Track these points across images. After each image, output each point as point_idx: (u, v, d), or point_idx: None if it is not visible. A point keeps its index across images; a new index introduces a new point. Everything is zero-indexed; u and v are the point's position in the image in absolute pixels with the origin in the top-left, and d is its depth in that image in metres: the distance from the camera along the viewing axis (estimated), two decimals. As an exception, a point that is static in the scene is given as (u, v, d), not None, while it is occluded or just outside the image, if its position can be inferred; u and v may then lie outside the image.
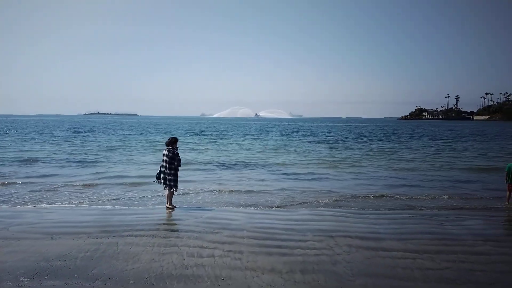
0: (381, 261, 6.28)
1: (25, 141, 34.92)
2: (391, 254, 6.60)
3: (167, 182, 9.82)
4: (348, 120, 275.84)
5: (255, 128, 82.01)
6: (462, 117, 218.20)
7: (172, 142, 9.99)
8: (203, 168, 18.35)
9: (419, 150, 29.80)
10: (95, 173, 16.28)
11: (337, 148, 30.82)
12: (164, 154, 9.92)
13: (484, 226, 8.63)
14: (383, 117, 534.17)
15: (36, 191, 12.30)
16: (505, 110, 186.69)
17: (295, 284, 5.36)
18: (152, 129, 67.87)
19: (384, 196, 11.98)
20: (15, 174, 15.79)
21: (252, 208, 10.31)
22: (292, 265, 6.03)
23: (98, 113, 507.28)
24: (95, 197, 11.47)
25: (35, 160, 20.34)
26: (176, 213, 9.55)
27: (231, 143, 35.87)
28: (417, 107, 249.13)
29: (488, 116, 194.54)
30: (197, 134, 52.04)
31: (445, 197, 11.93)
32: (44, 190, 12.39)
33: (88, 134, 47.49)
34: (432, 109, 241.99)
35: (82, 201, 10.95)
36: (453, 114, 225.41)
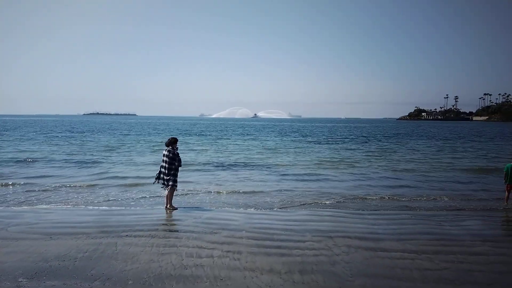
0: (380, 262, 6.29)
1: (24, 141, 34.87)
2: (390, 255, 6.61)
3: (167, 183, 9.81)
4: (347, 120, 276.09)
5: (254, 128, 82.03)
6: (461, 117, 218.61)
7: (172, 143, 9.98)
8: (202, 168, 18.34)
9: (418, 150, 29.84)
10: (93, 174, 16.27)
11: (336, 149, 30.83)
12: (164, 155, 9.91)
13: (482, 227, 8.64)
14: (382, 117, 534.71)
15: (34, 191, 12.29)
16: (504, 111, 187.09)
17: (294, 285, 5.37)
18: (151, 130, 67.83)
19: (383, 196, 11.99)
20: (13, 174, 15.77)
21: (251, 208, 10.31)
22: (291, 266, 6.03)
23: (97, 113, 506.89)
24: (93, 198, 11.46)
25: (34, 161, 20.32)
26: (175, 214, 9.54)
27: (230, 144, 35.87)
28: (416, 108, 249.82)
29: (487, 117, 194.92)
30: (196, 135, 52.03)
31: (444, 197, 11.95)
32: (42, 191, 12.37)
33: (87, 134, 47.44)
34: (431, 110, 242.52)
35: (80, 201, 10.94)
36: (452, 115, 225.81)
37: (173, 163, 9.83)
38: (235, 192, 12.55)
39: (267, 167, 18.93)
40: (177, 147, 10.10)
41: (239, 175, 16.43)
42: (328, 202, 11.13)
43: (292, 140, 41.86)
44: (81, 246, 6.87)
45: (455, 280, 5.60)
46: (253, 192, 12.58)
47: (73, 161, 20.49)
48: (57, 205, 10.38)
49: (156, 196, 11.56)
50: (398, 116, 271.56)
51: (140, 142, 36.60)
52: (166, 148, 9.97)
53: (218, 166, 19.34)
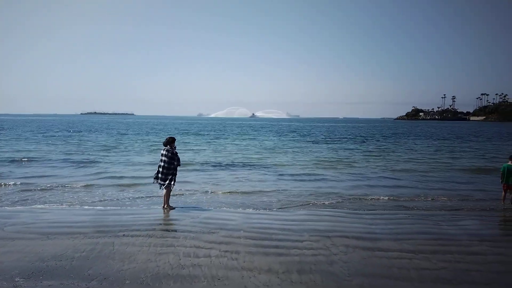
0: (378, 261, 6.29)
1: (21, 140, 34.75)
2: (387, 254, 6.61)
3: (166, 182, 9.75)
4: (345, 120, 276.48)
5: (252, 128, 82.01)
6: (458, 117, 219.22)
7: (170, 142, 9.94)
8: (200, 168, 18.33)
9: (416, 150, 29.90)
10: (91, 174, 16.22)
11: (334, 149, 30.86)
12: (162, 154, 9.86)
13: (480, 226, 8.66)
14: (379, 117, 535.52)
15: (31, 191, 12.24)
16: (501, 111, 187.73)
17: (292, 284, 5.36)
18: (149, 129, 67.72)
19: (381, 196, 11.99)
20: (10, 174, 15.70)
21: (249, 208, 10.30)
22: (289, 265, 6.02)
23: (95, 113, 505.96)
24: (90, 198, 11.42)
25: (30, 160, 20.24)
26: (172, 213, 9.52)
27: (228, 143, 35.85)
28: (413, 108, 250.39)
29: (484, 117, 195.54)
30: (194, 134, 51.96)
31: (441, 197, 11.96)
32: (39, 190, 12.32)
33: (85, 134, 47.32)
34: (428, 110, 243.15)
35: (77, 201, 10.90)
36: (449, 115, 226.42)
37: (172, 163, 9.80)
38: (233, 192, 12.54)
39: (265, 167, 18.92)
40: (175, 146, 10.06)
41: (237, 175, 16.41)
42: (326, 202, 11.12)
43: (290, 140, 41.87)
44: (78, 245, 6.84)
45: (452, 279, 5.60)
46: (251, 192, 12.56)
47: (70, 160, 20.42)
48: (53, 205, 10.34)
49: (153, 196, 11.53)
50: (395, 116, 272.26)
51: (138, 141, 36.53)
52: (164, 147, 9.93)
53: (216, 166, 19.33)
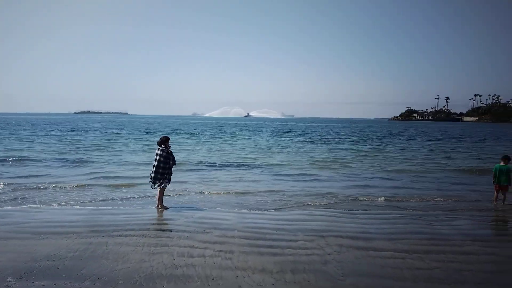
0: (371, 261, 6.32)
1: (13, 139, 34.44)
2: (381, 254, 6.64)
3: (161, 182, 9.71)
4: (339, 120, 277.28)
5: (247, 128, 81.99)
6: (452, 118, 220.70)
7: (164, 141, 9.89)
8: (194, 168, 18.29)
9: (410, 151, 30.07)
10: (84, 173, 16.13)
11: (329, 149, 30.94)
12: (157, 154, 9.81)
13: (472, 226, 8.73)
14: (373, 117, 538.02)
15: (24, 191, 12.14)
16: (494, 112, 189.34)
17: (286, 284, 5.37)
18: (143, 128, 67.44)
19: (375, 196, 12.05)
20: (2, 173, 15.55)
21: (243, 208, 10.29)
22: (283, 265, 6.03)
23: (89, 112, 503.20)
24: (84, 197, 11.35)
25: (23, 160, 20.07)
26: (166, 213, 9.49)
27: (222, 143, 35.81)
28: (407, 108, 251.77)
29: (477, 118, 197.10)
30: (188, 134, 51.84)
31: (434, 197, 12.04)
32: (32, 190, 12.23)
33: (78, 133, 47.02)
34: (422, 110, 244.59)
35: (70, 201, 10.83)
36: (442, 115, 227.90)
37: (167, 162, 9.76)
38: (227, 191, 12.52)
39: (259, 167, 18.92)
40: (170, 146, 10.02)
41: (232, 175, 16.40)
42: (320, 202, 11.15)
43: (285, 140, 41.91)
44: (71, 245, 6.80)
45: (445, 279, 5.65)
46: (246, 191, 12.56)
47: (64, 160, 20.29)
48: (46, 205, 10.27)
49: (147, 196, 11.48)
50: (389, 117, 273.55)
51: (132, 141, 36.37)
52: (159, 147, 9.89)
53: (210, 165, 19.30)
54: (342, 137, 49.86)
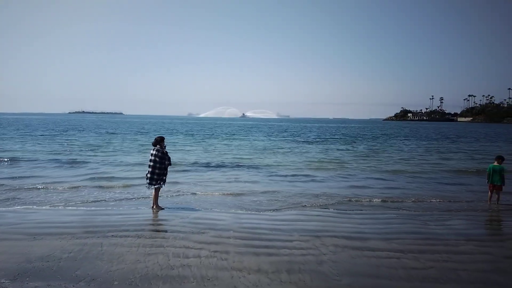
0: (367, 261, 6.34)
1: (6, 140, 34.19)
2: (376, 254, 6.66)
3: (157, 182, 9.68)
4: (335, 120, 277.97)
5: (243, 128, 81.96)
6: (446, 118, 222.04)
7: (159, 141, 9.85)
8: (190, 168, 18.26)
9: (405, 151, 30.21)
10: (79, 174, 16.04)
11: (324, 149, 31.00)
12: (152, 154, 9.76)
13: (466, 226, 8.78)
14: (368, 118, 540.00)
15: (18, 191, 12.05)
16: (488, 112, 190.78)
17: (281, 284, 5.37)
18: (138, 129, 67.20)
19: (370, 196, 12.09)
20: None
21: (239, 208, 10.28)
22: (279, 265, 6.03)
23: (83, 112, 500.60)
24: (78, 198, 11.29)
25: (17, 160, 19.92)
26: (162, 214, 9.46)
27: (218, 143, 35.77)
28: (402, 109, 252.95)
29: (471, 118, 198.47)
30: (183, 134, 51.73)
31: (429, 197, 12.10)
32: (26, 191, 12.14)
33: (72, 133, 46.76)
34: (416, 111, 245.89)
35: (65, 201, 10.77)
36: (437, 116, 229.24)
37: (163, 162, 9.72)
38: (223, 192, 12.51)
39: (255, 167, 18.92)
40: (165, 146, 9.99)
41: (227, 175, 16.39)
42: (316, 203, 11.17)
43: (280, 140, 41.95)
44: (65, 246, 6.75)
45: (439, 278, 5.67)
46: (241, 192, 12.55)
47: (58, 160, 20.16)
48: (40, 206, 10.20)
49: (142, 197, 11.44)
50: (384, 117, 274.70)
51: (126, 141, 36.23)
52: (154, 147, 9.85)
53: (205, 166, 19.27)
54: (338, 137, 49.98)
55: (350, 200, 11.54)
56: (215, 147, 31.17)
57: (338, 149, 30.81)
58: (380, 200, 11.63)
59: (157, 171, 9.64)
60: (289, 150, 29.40)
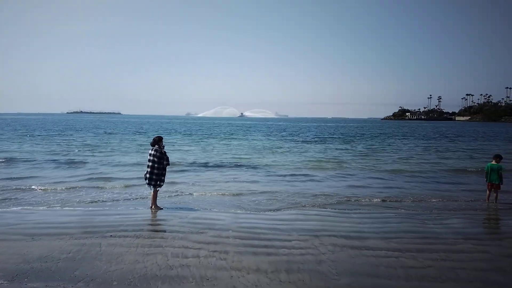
0: (365, 260, 6.35)
1: (3, 140, 34.09)
2: (375, 253, 6.67)
3: (156, 182, 9.67)
4: (333, 120, 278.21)
5: (241, 128, 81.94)
6: (444, 117, 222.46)
7: (157, 141, 9.84)
8: (188, 168, 18.24)
9: (403, 150, 30.25)
10: (77, 174, 16.01)
11: (323, 148, 31.03)
12: (150, 154, 9.74)
13: (465, 225, 8.81)
14: (367, 117, 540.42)
15: (16, 192, 12.02)
16: (485, 111, 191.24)
17: (281, 284, 5.37)
18: (136, 129, 67.10)
19: (369, 196, 12.11)
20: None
21: (237, 208, 10.28)
22: (278, 265, 6.03)
23: (81, 112, 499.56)
24: (76, 198, 11.27)
25: (14, 161, 19.86)
26: (160, 214, 9.46)
27: (217, 143, 35.75)
28: (400, 108, 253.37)
29: (469, 117, 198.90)
30: (182, 134, 51.68)
31: (427, 196, 12.13)
32: (24, 191, 12.12)
33: (70, 133, 46.65)
34: (415, 110, 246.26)
35: (63, 202, 10.75)
36: (435, 115, 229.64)
37: (161, 162, 9.71)
38: (222, 192, 12.50)
39: (254, 167, 18.92)
40: (164, 146, 9.97)
41: (226, 175, 16.38)
42: (314, 202, 11.17)
43: (279, 140, 41.95)
44: (64, 247, 6.74)
45: (438, 277, 5.68)
46: (240, 192, 12.55)
47: (56, 161, 20.12)
48: (39, 206, 10.18)
49: (140, 197, 11.43)
50: (382, 116, 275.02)
51: (124, 141, 36.18)
52: (152, 147, 9.83)
53: (204, 166, 19.26)
54: (336, 136, 50.01)
55: (348, 200, 11.55)
56: (213, 147, 31.15)
57: (336, 149, 30.83)
58: (378, 199, 11.64)
59: (155, 171, 9.63)
60: (288, 150, 29.41)
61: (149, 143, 10.11)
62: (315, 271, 5.85)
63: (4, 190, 12.20)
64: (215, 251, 6.62)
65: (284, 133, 57.94)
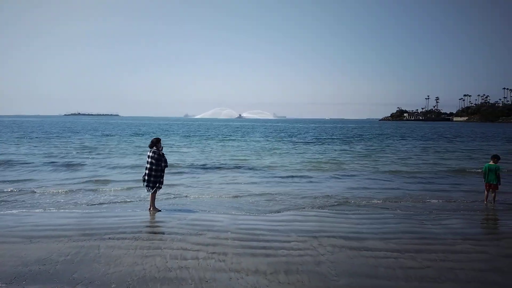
0: (364, 261, 6.35)
1: (1, 142, 33.97)
2: (373, 254, 6.67)
3: (154, 184, 9.65)
4: (331, 121, 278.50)
5: (240, 129, 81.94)
6: (442, 118, 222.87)
7: (155, 143, 9.83)
8: (187, 170, 18.21)
9: (402, 151, 30.31)
10: (74, 177, 15.97)
11: (321, 149, 31.06)
12: (149, 156, 9.73)
13: (463, 225, 8.82)
14: (364, 118, 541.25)
15: (14, 195, 11.99)
16: (483, 112, 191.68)
17: (280, 285, 5.37)
18: (134, 130, 67.02)
19: (367, 196, 12.12)
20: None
21: (236, 210, 10.27)
22: (277, 266, 6.03)
23: (79, 114, 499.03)
24: (74, 200, 11.25)
25: (11, 163, 19.80)
26: (159, 216, 9.44)
27: (215, 145, 35.74)
28: (398, 108, 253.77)
29: (467, 118, 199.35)
30: (180, 135, 51.64)
31: (426, 197, 12.15)
32: (21, 194, 12.08)
33: (68, 136, 46.55)
34: (412, 111, 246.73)
35: (61, 204, 10.72)
36: (433, 115, 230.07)
37: (159, 164, 9.69)
38: (220, 193, 12.50)
39: (252, 169, 18.91)
40: (162, 147, 9.96)
41: (224, 176, 16.37)
42: (313, 203, 11.17)
43: (277, 141, 41.97)
44: (62, 249, 6.72)
45: (437, 278, 5.69)
46: (238, 193, 12.54)
47: (53, 163, 20.07)
48: (37, 208, 10.14)
49: (138, 199, 11.41)
50: (380, 117, 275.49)
51: (122, 143, 36.12)
52: (150, 149, 9.82)
53: (202, 167, 19.24)
54: (335, 137, 50.06)
55: (347, 201, 11.55)
56: (211, 149, 31.14)
57: (335, 150, 30.86)
58: (377, 200, 11.65)
59: (153, 173, 9.61)
60: (286, 151, 29.42)
61: (148, 146, 10.10)
62: (314, 272, 5.85)
63: (1, 192, 12.15)
64: (213, 253, 6.61)
65: (282, 134, 57.96)
